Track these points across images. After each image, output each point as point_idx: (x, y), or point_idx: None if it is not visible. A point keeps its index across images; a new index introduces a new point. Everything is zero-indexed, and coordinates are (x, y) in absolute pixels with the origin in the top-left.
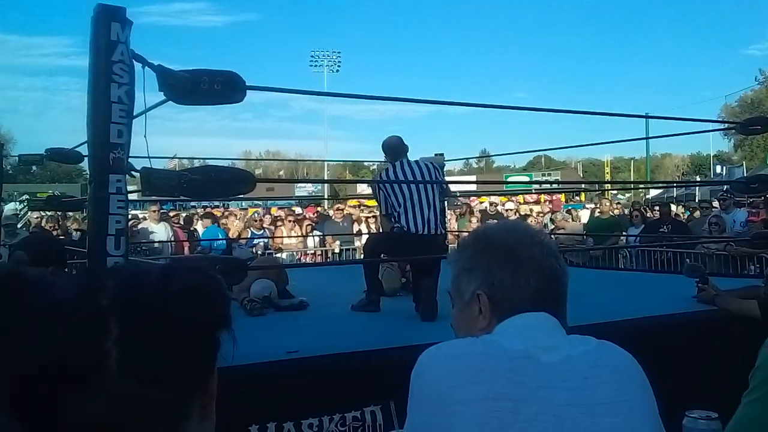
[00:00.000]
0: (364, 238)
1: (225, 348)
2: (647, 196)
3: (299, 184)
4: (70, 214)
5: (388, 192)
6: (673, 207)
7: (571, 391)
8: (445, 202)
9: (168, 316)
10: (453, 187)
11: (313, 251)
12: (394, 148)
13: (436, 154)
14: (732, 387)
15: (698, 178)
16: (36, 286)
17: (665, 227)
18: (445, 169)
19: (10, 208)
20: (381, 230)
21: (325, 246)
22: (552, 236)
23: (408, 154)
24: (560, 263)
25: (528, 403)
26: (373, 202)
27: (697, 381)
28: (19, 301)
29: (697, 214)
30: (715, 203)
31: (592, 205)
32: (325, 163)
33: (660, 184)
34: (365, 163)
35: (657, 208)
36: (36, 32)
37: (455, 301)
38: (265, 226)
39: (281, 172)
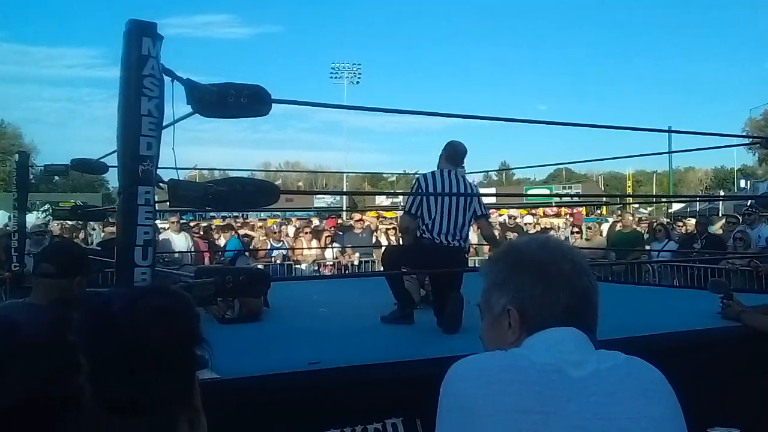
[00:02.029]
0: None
1: (216, 358)
2: (670, 210)
3: (318, 196)
4: (91, 224)
5: (422, 198)
6: (693, 221)
7: (599, 406)
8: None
9: (137, 343)
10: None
11: (332, 262)
12: (457, 155)
13: None
14: (757, 404)
15: (722, 193)
16: (3, 327)
17: (700, 242)
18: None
19: (32, 218)
20: (400, 234)
21: (344, 257)
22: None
23: (427, 168)
24: (591, 280)
25: (558, 416)
26: (391, 214)
27: (721, 398)
28: None
29: (719, 225)
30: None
31: (612, 219)
32: (344, 174)
33: (683, 199)
34: (384, 175)
35: (681, 222)
36: (60, 44)
37: (485, 315)
38: (283, 237)
39: (300, 183)
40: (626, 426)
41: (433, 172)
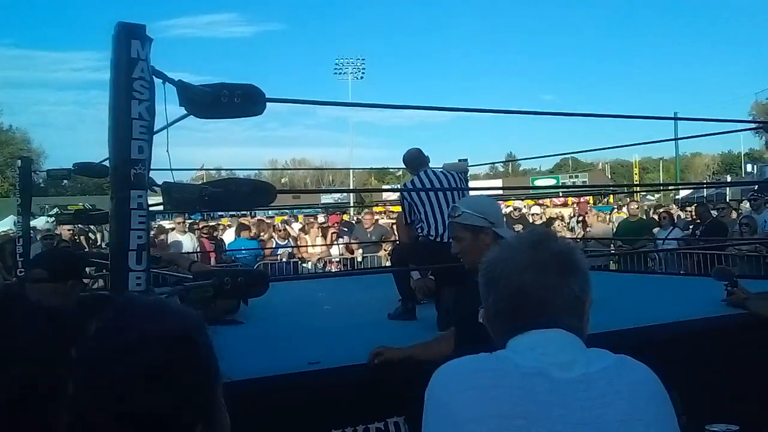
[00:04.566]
0: (388, 246)
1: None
2: (677, 197)
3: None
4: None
5: (413, 201)
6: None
7: (586, 410)
8: None
9: (125, 398)
10: (479, 193)
11: (338, 259)
12: (414, 160)
13: (459, 160)
14: (761, 396)
15: (729, 178)
16: (11, 319)
17: (701, 228)
18: (468, 174)
19: (41, 221)
20: (398, 238)
21: (349, 252)
22: (578, 240)
23: (431, 161)
24: (533, 277)
25: (542, 422)
26: (399, 208)
27: (725, 389)
28: None
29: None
30: (745, 204)
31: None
32: (351, 170)
33: (689, 186)
34: (390, 170)
35: (688, 209)
36: (65, 48)
37: None
38: (291, 235)
39: (307, 180)
40: (615, 430)
41: (412, 180)
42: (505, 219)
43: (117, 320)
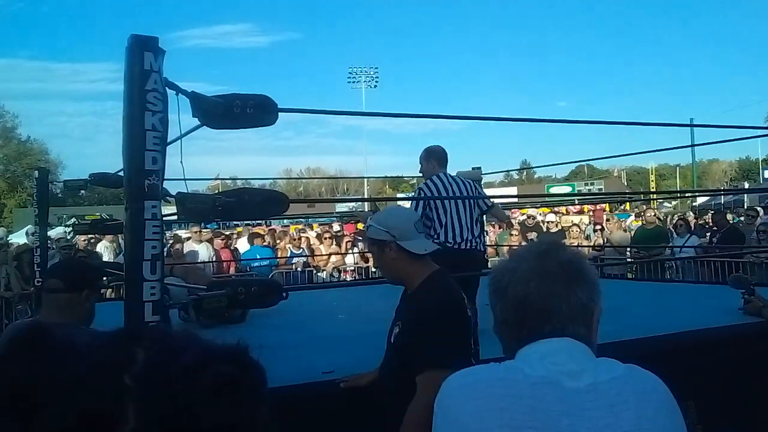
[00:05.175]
0: None
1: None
2: (694, 204)
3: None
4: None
5: (428, 205)
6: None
7: (594, 420)
8: (484, 218)
9: (190, 418)
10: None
11: (352, 268)
12: (444, 158)
13: (473, 168)
14: None
15: (747, 184)
16: (57, 352)
17: (717, 236)
18: (482, 183)
19: (59, 231)
20: None
21: (364, 262)
22: (592, 249)
23: (448, 166)
24: (536, 285)
25: (550, 431)
26: None
27: (742, 398)
28: (39, 368)
29: (729, 217)
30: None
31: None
32: (365, 179)
33: (705, 192)
34: (405, 178)
35: (702, 217)
36: (83, 59)
37: None
38: (303, 245)
39: (322, 189)
40: None
41: (431, 180)
42: (518, 226)
43: (169, 346)
